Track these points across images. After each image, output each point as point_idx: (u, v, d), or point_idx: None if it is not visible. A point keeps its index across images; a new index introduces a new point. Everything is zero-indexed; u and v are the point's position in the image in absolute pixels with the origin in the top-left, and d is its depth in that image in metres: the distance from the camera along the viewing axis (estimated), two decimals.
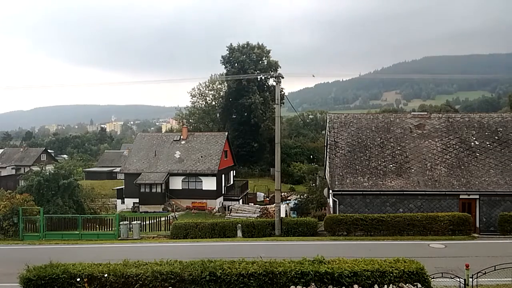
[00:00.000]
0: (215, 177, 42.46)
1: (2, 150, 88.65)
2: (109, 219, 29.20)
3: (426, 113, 31.41)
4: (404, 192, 23.82)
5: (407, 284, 9.72)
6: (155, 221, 30.58)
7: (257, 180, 61.11)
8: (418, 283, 9.85)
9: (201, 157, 44.21)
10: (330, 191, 25.91)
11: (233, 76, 63.19)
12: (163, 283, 10.14)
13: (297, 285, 9.88)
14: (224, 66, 70.76)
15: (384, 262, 10.37)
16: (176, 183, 43.26)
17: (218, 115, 73.71)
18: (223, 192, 44.67)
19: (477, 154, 25.37)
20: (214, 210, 41.43)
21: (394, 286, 9.73)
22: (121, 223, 26.65)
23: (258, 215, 34.55)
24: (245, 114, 68.31)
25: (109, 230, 28.09)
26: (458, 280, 11.46)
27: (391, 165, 25.30)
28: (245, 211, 36.47)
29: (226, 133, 49.32)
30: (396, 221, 21.94)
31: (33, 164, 74.35)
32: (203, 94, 74.80)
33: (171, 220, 30.34)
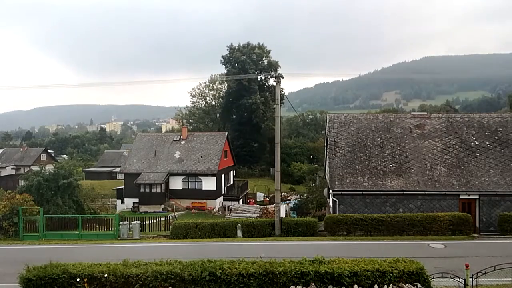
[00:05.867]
0: (215, 177, 42.46)
1: (2, 150, 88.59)
2: (109, 219, 29.20)
3: (426, 113, 31.44)
4: (404, 192, 23.82)
5: (407, 284, 9.72)
6: (155, 221, 30.60)
7: (257, 180, 61.13)
8: (418, 283, 9.84)
9: (201, 157, 44.21)
10: (330, 191, 25.91)
11: (233, 76, 63.19)
12: (163, 283, 10.13)
13: (297, 285, 9.88)
14: (224, 66, 70.85)
15: (384, 262, 10.36)
16: (176, 183, 43.27)
17: (218, 115, 73.73)
18: (223, 192, 44.68)
19: (477, 154, 25.37)
20: (214, 210, 41.43)
21: (394, 286, 9.73)
22: (121, 223, 26.65)
23: (258, 215, 34.55)
24: (245, 114, 68.32)
25: (109, 230, 28.09)
26: (458, 280, 11.46)
27: (391, 165, 25.31)
28: (245, 211, 36.47)
29: (226, 133, 49.36)
30: (396, 221, 21.94)
31: (33, 164, 74.35)
32: (203, 94, 74.83)
33: (171, 220, 30.35)
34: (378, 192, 24.00)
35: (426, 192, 23.66)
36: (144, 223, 29.45)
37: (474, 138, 26.27)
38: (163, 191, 42.36)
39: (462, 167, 24.74)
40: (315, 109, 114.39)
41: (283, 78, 26.58)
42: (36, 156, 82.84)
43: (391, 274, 9.90)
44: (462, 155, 25.43)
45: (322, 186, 36.16)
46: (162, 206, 41.86)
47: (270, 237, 23.40)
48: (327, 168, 29.04)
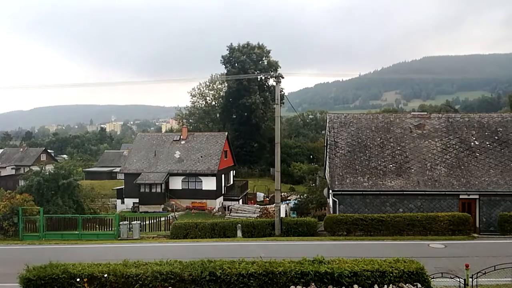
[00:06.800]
0: (215, 177, 42.46)
1: (2, 150, 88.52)
2: (109, 219, 29.20)
3: (426, 113, 31.42)
4: (404, 192, 23.81)
5: (407, 284, 9.72)
6: (155, 221, 30.61)
7: (257, 180, 61.12)
8: (418, 283, 9.84)
9: (201, 157, 44.22)
10: (330, 191, 25.91)
11: (233, 76, 63.21)
12: (163, 283, 10.13)
13: (297, 285, 9.88)
14: (224, 66, 70.88)
15: (384, 262, 10.36)
16: (176, 183, 43.27)
17: (218, 115, 73.74)
18: (223, 192, 44.68)
19: (477, 154, 25.37)
20: (214, 210, 41.43)
21: (394, 286, 9.73)
22: (121, 223, 26.66)
23: (258, 215, 34.54)
24: (245, 114, 68.34)
25: (109, 230, 28.09)
26: (458, 280, 11.46)
27: (391, 165, 25.30)
28: (245, 211, 36.46)
29: (226, 133, 49.35)
30: (396, 221, 21.93)
31: (33, 164, 74.29)
32: (203, 94, 74.83)
33: (171, 220, 30.35)
34: (378, 192, 24.00)
35: (426, 192, 23.66)
36: (144, 223, 29.45)
37: (474, 138, 26.26)
38: (163, 191, 42.36)
39: (462, 167, 24.73)
40: (315, 109, 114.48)
41: (283, 78, 26.55)
42: (36, 156, 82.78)
43: (391, 274, 9.90)
44: (462, 155, 25.42)
45: (322, 186, 36.15)
46: (162, 206, 41.86)
47: (270, 237, 23.40)
48: (327, 168, 29.03)
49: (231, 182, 48.79)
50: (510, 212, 22.21)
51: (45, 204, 31.84)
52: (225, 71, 70.60)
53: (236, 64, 67.97)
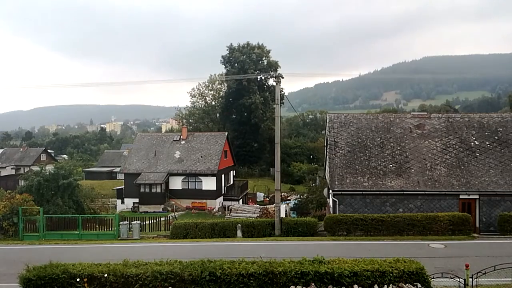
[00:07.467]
0: (215, 177, 42.46)
1: (2, 150, 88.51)
2: (109, 219, 29.19)
3: (426, 113, 31.42)
4: (404, 192, 23.81)
5: (407, 284, 9.72)
6: (155, 221, 30.61)
7: (257, 180, 61.13)
8: (418, 283, 9.84)
9: (201, 157, 44.22)
10: (330, 191, 25.91)
11: (233, 76, 63.19)
12: (163, 283, 10.14)
13: (297, 285, 9.88)
14: (224, 66, 70.85)
15: (384, 262, 10.36)
16: (176, 183, 43.28)
17: (218, 115, 73.73)
18: (223, 192, 44.68)
19: (477, 154, 25.37)
20: (214, 210, 41.43)
21: (394, 286, 9.73)
22: (121, 223, 26.65)
23: (258, 215, 34.52)
24: (245, 114, 68.31)
25: (109, 230, 28.09)
26: (458, 280, 11.45)
27: (391, 165, 25.30)
28: (245, 211, 36.43)
29: (226, 133, 49.35)
30: (396, 221, 21.93)
31: (33, 164, 74.34)
32: (202, 94, 74.80)
33: (171, 220, 30.36)
34: (378, 192, 24.00)
35: (426, 192, 23.66)
36: (144, 223, 29.46)
37: (474, 138, 26.27)
38: (163, 191, 42.36)
39: (462, 167, 24.73)
40: (315, 109, 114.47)
41: (283, 78, 26.52)
42: (36, 156, 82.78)
43: (391, 274, 9.90)
44: (462, 155, 25.42)
45: (322, 186, 36.14)
46: (162, 206, 41.87)
47: (270, 237, 23.39)
48: (327, 168, 29.02)
49: (231, 182, 48.80)
50: (510, 212, 22.20)
51: (45, 204, 31.83)
52: (225, 71, 70.59)
53: (236, 64, 67.92)
